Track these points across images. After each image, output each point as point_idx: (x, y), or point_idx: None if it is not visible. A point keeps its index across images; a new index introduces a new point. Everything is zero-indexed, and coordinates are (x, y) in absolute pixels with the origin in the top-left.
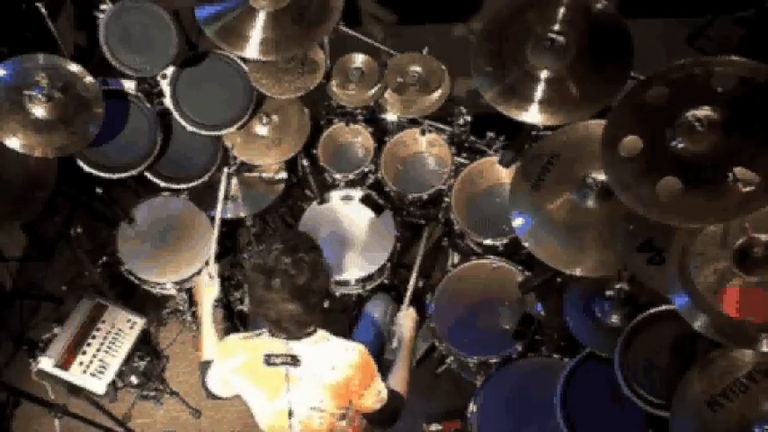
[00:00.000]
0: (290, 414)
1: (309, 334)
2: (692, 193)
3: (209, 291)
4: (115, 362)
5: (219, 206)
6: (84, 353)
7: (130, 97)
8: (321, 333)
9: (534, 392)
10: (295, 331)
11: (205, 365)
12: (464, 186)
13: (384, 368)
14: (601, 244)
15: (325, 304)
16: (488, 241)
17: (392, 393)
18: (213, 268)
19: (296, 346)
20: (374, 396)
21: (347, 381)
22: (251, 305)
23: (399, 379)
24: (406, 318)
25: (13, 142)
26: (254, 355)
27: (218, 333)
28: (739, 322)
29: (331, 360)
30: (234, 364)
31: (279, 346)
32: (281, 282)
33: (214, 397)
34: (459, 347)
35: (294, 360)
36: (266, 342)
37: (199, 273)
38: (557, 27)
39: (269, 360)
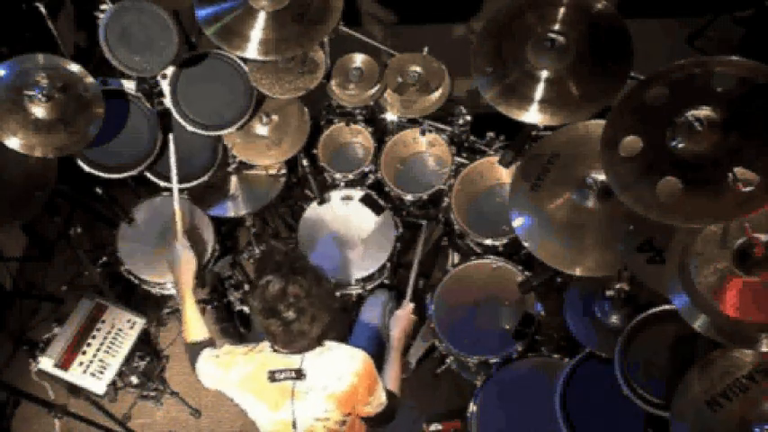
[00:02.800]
0: (294, 425)
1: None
2: (692, 193)
3: (186, 263)
4: (115, 362)
5: (173, 168)
6: (84, 353)
7: (130, 97)
8: (324, 342)
9: (534, 392)
10: (317, 342)
11: (193, 347)
12: (464, 186)
13: (383, 367)
14: (601, 244)
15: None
16: (488, 241)
17: (388, 394)
18: (184, 240)
19: (300, 360)
20: (377, 401)
21: (353, 389)
22: (279, 346)
23: (392, 378)
24: (399, 318)
25: (13, 142)
26: (257, 370)
27: (212, 335)
28: (739, 322)
29: (336, 370)
30: (235, 377)
31: (282, 360)
32: (296, 310)
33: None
34: (459, 347)
35: (299, 374)
36: (269, 357)
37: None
38: (557, 27)
39: (273, 377)
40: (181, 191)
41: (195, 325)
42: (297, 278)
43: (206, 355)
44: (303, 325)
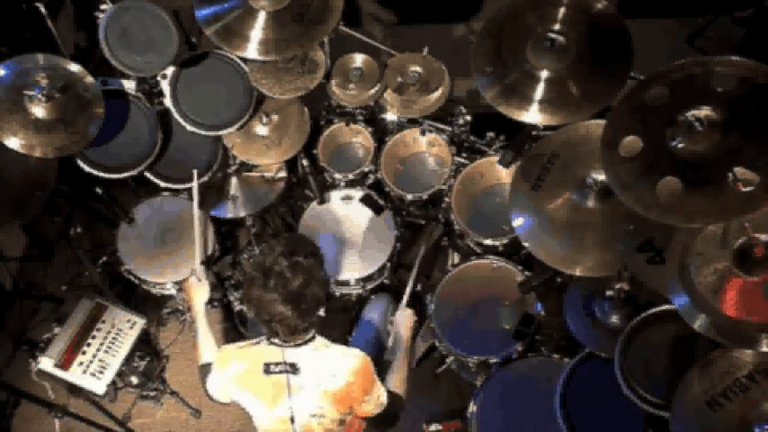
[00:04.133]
0: (292, 420)
1: (307, 341)
2: (692, 193)
3: (199, 293)
4: (115, 362)
5: (196, 211)
6: (84, 353)
7: (130, 97)
8: (320, 340)
9: (534, 392)
10: (286, 335)
11: (204, 368)
12: (464, 186)
13: (384, 369)
14: (601, 244)
15: (321, 312)
16: (488, 241)
17: (391, 395)
18: (200, 270)
19: (295, 354)
20: (375, 401)
21: (348, 387)
22: (245, 303)
23: (398, 380)
24: (403, 317)
25: (13, 142)
26: (253, 364)
27: (214, 335)
28: (739, 322)
29: (331, 367)
30: (232, 372)
31: (277, 354)
32: (274, 283)
33: (216, 400)
34: (459, 347)
35: (293, 368)
36: (264, 350)
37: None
38: (557, 27)
39: (268, 369)
40: (181, 191)
41: (207, 347)
42: (296, 258)
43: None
44: (276, 295)
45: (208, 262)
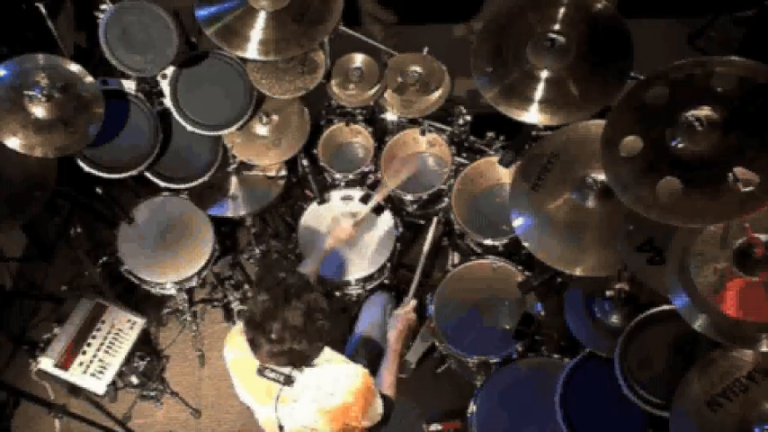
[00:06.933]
0: (281, 428)
1: None
2: (692, 193)
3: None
4: (115, 362)
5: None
6: (84, 353)
7: (130, 97)
8: (321, 354)
9: (534, 392)
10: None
11: None
12: (464, 186)
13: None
14: (601, 244)
15: (326, 327)
16: (488, 241)
17: (384, 400)
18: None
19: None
20: (372, 418)
21: (346, 407)
22: (258, 359)
23: (388, 383)
24: (398, 317)
25: (13, 142)
26: (250, 358)
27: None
28: (739, 322)
29: (330, 385)
30: (230, 355)
31: None
32: (265, 340)
33: None
34: (459, 347)
35: (287, 380)
36: None
37: (199, 273)
38: (557, 27)
39: (262, 371)
40: (181, 191)
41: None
42: (292, 303)
43: None
44: (278, 346)
45: (208, 262)
